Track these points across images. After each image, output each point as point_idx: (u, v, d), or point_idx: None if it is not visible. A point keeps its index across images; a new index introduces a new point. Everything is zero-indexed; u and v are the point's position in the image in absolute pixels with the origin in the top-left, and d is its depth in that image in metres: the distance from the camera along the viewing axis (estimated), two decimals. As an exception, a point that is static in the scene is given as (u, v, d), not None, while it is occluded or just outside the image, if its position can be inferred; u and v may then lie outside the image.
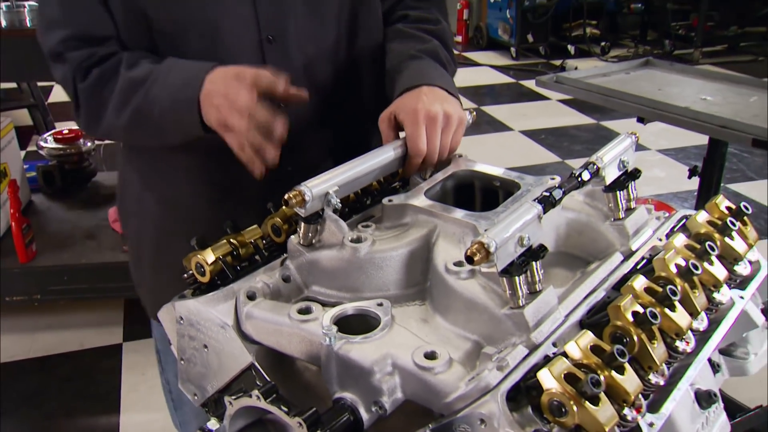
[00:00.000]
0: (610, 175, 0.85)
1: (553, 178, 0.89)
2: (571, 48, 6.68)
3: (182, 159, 1.19)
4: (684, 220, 0.90)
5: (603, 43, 6.72)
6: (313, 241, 0.86)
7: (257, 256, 0.89)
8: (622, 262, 0.84)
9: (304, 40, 1.13)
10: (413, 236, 0.83)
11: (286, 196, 0.81)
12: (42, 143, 2.65)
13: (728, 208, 0.87)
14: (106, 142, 2.85)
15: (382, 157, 0.96)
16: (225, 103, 0.97)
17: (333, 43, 1.16)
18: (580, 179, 0.80)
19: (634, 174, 0.88)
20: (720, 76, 2.44)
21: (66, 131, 2.67)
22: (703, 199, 2.21)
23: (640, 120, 2.04)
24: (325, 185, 0.84)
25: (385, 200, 0.89)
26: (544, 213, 0.74)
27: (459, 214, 0.83)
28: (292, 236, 0.87)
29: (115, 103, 1.09)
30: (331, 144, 1.19)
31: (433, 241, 0.83)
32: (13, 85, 3.71)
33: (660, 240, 0.87)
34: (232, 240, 0.88)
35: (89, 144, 2.69)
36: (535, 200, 0.75)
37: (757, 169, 4.08)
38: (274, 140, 0.96)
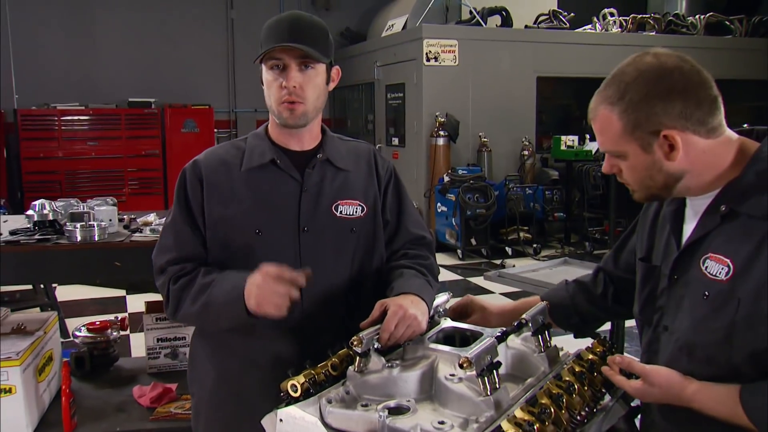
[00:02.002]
0: (535, 326, 1.48)
1: (501, 330, 1.51)
2: (508, 249, 7.66)
3: (238, 341, 1.70)
4: (579, 352, 1.52)
5: (535, 245, 7.74)
6: (363, 369, 1.43)
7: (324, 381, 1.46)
8: (545, 376, 1.44)
9: (328, 273, 1.67)
10: (425, 363, 1.42)
11: (351, 341, 1.40)
12: (77, 333, 3.14)
13: (603, 344, 1.51)
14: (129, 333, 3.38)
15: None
16: (261, 294, 1.50)
17: (348, 274, 1.70)
18: (518, 326, 1.44)
19: (549, 326, 1.51)
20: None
21: (98, 323, 3.19)
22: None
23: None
24: (369, 336, 1.44)
25: (406, 344, 1.50)
26: (498, 344, 1.36)
27: (450, 349, 1.44)
28: (350, 367, 1.44)
29: (191, 298, 1.63)
30: (338, 335, 1.57)
31: (436, 365, 1.42)
32: (29, 286, 4.24)
33: (564, 365, 1.48)
34: (311, 371, 1.45)
35: (115, 334, 3.20)
36: (493, 337, 1.37)
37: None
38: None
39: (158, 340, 3.21)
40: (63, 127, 8.83)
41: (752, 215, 1.24)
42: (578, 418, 1.31)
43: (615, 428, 1.45)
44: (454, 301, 1.78)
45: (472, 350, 1.30)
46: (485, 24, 8.80)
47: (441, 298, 1.71)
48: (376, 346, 1.44)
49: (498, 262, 7.38)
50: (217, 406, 1.74)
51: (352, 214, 1.72)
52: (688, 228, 1.36)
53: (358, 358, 1.42)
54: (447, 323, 1.62)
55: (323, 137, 1.77)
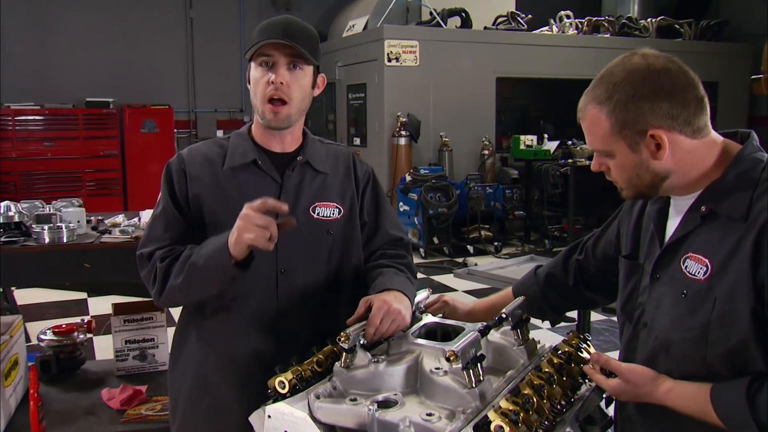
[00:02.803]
0: (514, 320, 1.53)
1: (483, 324, 1.56)
2: (470, 248, 7.77)
3: (217, 337, 1.72)
4: (555, 344, 1.58)
5: (495, 243, 7.87)
6: (349, 364, 1.46)
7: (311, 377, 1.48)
8: (525, 368, 1.50)
9: (305, 273, 1.71)
10: (409, 357, 1.46)
11: (338, 337, 1.43)
12: (42, 336, 3.08)
13: (578, 336, 1.57)
14: (93, 336, 3.34)
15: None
16: (241, 225, 1.48)
17: (324, 275, 1.73)
18: (498, 320, 1.48)
19: (527, 320, 1.56)
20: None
21: (63, 326, 3.13)
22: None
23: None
24: (356, 332, 1.47)
25: (391, 339, 1.53)
26: (481, 338, 1.40)
27: (433, 344, 1.48)
28: (337, 363, 1.47)
29: (176, 270, 1.61)
30: (315, 334, 1.66)
31: (420, 359, 1.46)
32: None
33: (542, 357, 1.54)
34: (298, 368, 1.47)
35: (81, 336, 3.15)
36: (476, 331, 1.42)
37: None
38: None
39: (126, 342, 3.18)
40: (17, 128, 8.59)
41: (731, 216, 1.28)
42: (558, 407, 1.37)
43: (591, 417, 1.52)
44: (433, 297, 1.83)
45: (458, 344, 1.34)
46: (445, 25, 8.89)
47: (421, 295, 1.75)
48: (362, 342, 1.47)
49: (460, 260, 7.47)
50: (196, 400, 1.76)
51: (329, 216, 1.76)
52: (672, 227, 1.40)
53: (344, 353, 1.45)
54: (429, 319, 1.66)
55: (304, 140, 1.81)
